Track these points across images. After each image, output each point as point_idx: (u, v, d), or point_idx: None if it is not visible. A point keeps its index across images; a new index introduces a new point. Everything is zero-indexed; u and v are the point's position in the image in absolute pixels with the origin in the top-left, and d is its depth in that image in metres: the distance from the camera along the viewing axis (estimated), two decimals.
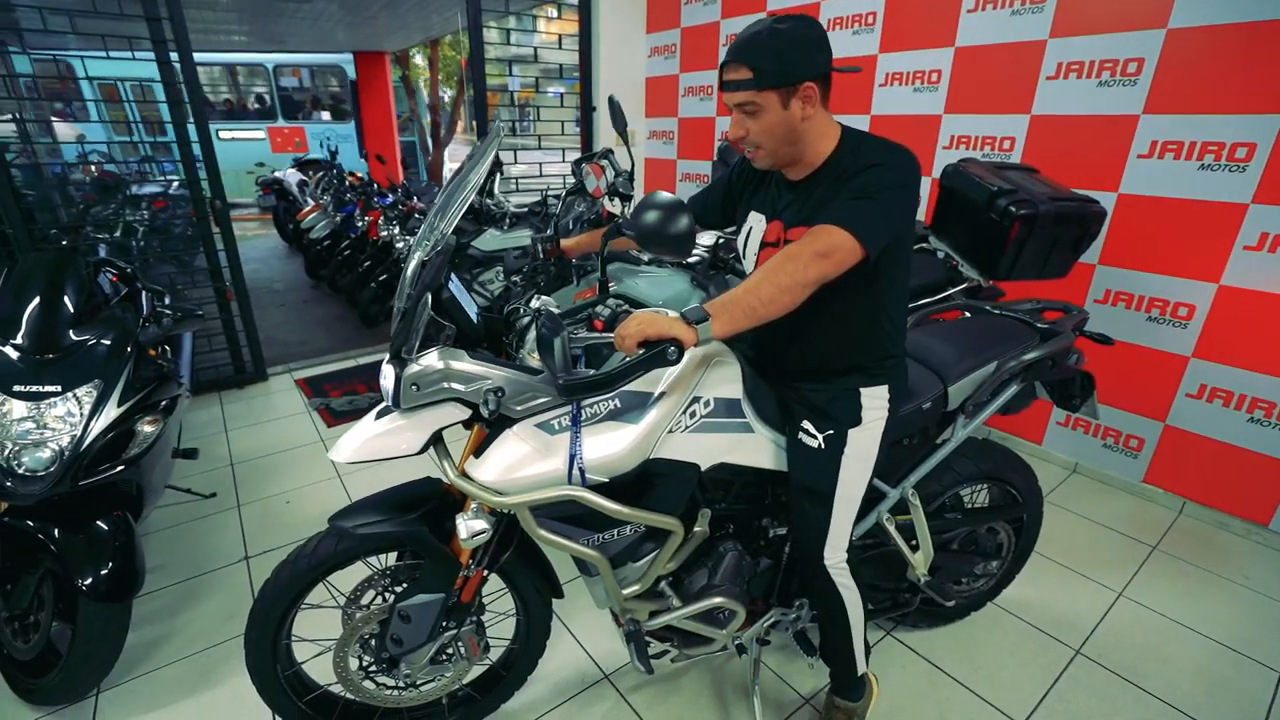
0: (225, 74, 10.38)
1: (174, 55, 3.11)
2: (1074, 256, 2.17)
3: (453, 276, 1.21)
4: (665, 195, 1.08)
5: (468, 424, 1.18)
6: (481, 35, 3.90)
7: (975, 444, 1.66)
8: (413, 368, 1.08)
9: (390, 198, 5.43)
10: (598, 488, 1.14)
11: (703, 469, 1.24)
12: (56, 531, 1.60)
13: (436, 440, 1.18)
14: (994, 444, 1.71)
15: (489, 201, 3.32)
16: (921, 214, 3.10)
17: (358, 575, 1.39)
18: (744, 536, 1.45)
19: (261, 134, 9.85)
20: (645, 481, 1.20)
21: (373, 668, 1.42)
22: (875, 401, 1.29)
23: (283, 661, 1.39)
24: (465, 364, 1.09)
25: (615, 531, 1.23)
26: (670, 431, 1.18)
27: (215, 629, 1.96)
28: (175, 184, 5.44)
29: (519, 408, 1.11)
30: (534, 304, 1.30)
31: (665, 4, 4.29)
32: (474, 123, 4.07)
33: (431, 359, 1.08)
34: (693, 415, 1.21)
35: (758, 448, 1.31)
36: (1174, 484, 2.55)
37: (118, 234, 4.45)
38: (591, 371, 0.99)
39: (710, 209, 1.47)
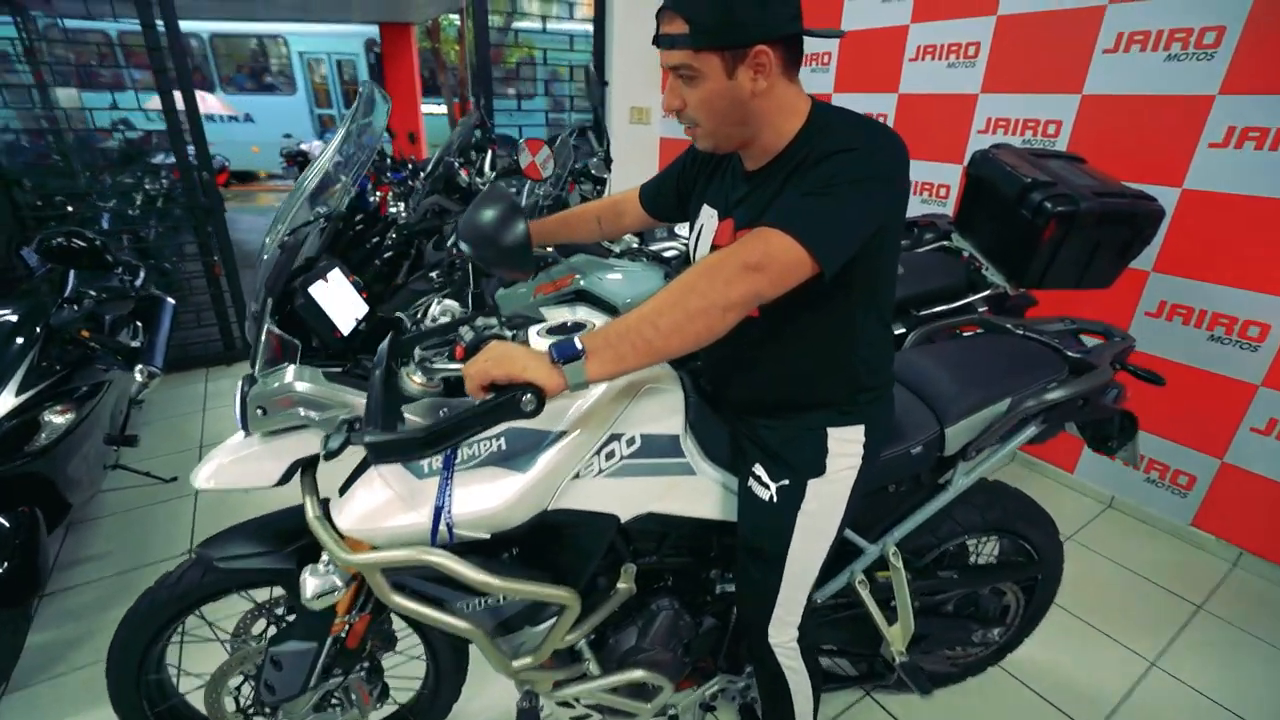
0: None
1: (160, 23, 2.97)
2: (1121, 263, 1.83)
3: (330, 273, 0.99)
4: (500, 192, 0.84)
5: None
6: (486, 5, 3.66)
7: (982, 487, 1.38)
8: (258, 388, 0.88)
9: (402, 173, 5.30)
10: (476, 545, 0.92)
11: (623, 520, 1.01)
12: None
13: (307, 467, 0.99)
14: (1005, 488, 1.44)
15: (479, 181, 3.10)
16: (949, 209, 2.77)
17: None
18: (685, 591, 1.21)
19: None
20: (545, 536, 0.98)
21: (251, 710, 1.25)
22: (846, 446, 1.03)
23: (151, 697, 1.23)
24: (316, 387, 0.88)
25: (502, 595, 1.01)
26: (577, 476, 0.95)
27: None
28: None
29: None
30: (435, 309, 1.07)
31: None
32: (482, 99, 3.84)
33: (281, 378, 0.88)
34: (610, 456, 0.97)
35: (699, 493, 1.07)
36: (1228, 531, 2.20)
37: (119, 204, 4.38)
38: (422, 423, 0.73)
39: (662, 197, 1.22)
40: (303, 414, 0.89)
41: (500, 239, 0.83)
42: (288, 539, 1.12)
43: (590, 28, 4.07)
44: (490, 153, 3.33)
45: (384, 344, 0.84)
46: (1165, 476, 2.32)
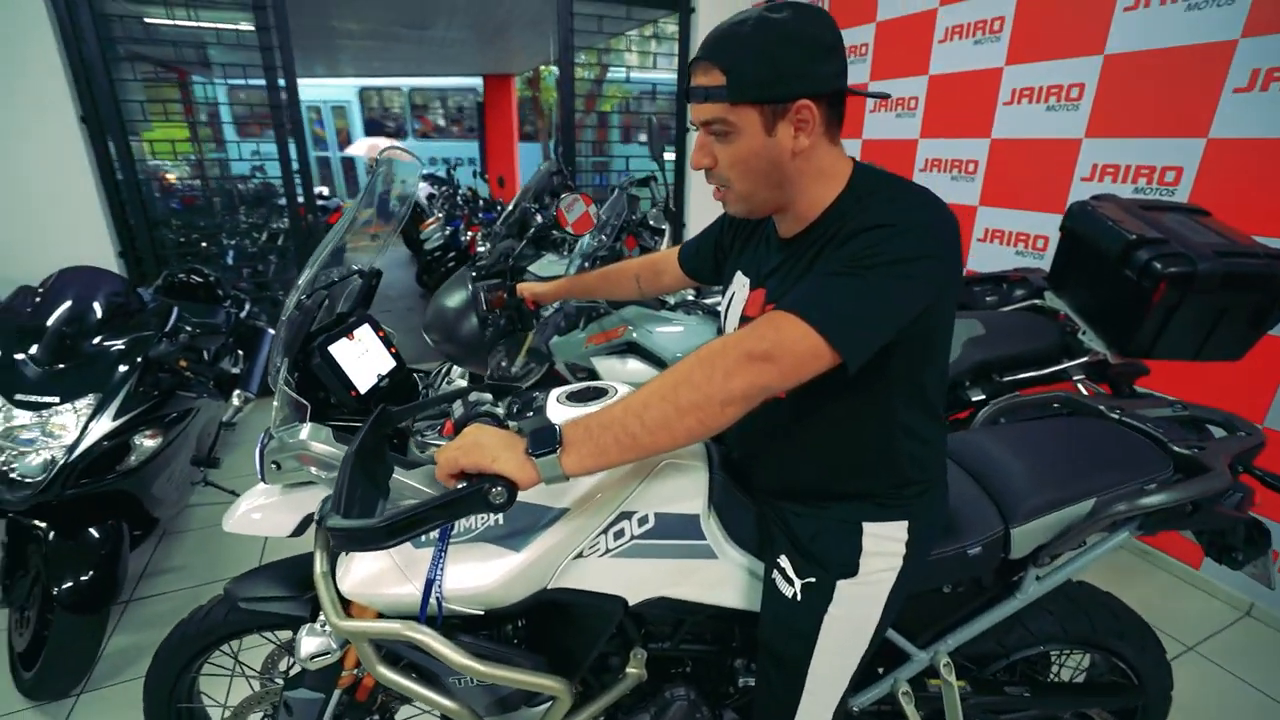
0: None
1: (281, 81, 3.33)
2: (1255, 333, 1.57)
3: (359, 329, 1.02)
4: (459, 283, 0.81)
5: None
6: (572, 56, 3.82)
7: (1064, 590, 1.19)
8: (273, 444, 0.90)
9: (492, 214, 5.61)
10: (470, 621, 0.89)
11: (631, 604, 0.94)
12: (51, 534, 1.65)
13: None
14: (1095, 593, 1.23)
15: (554, 230, 3.18)
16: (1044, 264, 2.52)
17: None
18: (705, 680, 1.11)
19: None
20: (547, 613, 0.92)
21: None
22: (884, 544, 0.91)
23: None
24: (325, 447, 0.89)
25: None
26: (580, 555, 0.90)
27: None
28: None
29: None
30: (449, 376, 1.07)
31: None
32: (559, 147, 3.98)
33: (294, 435, 0.90)
34: (619, 535, 0.91)
35: (720, 579, 0.98)
36: None
37: (241, 241, 4.89)
38: (402, 508, 0.68)
39: (700, 259, 1.17)
40: (313, 472, 0.90)
41: (455, 333, 0.81)
42: (309, 584, 1.13)
43: (674, 75, 4.14)
44: (558, 199, 3.42)
45: (370, 419, 0.83)
46: None
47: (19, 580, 1.71)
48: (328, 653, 0.92)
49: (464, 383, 1.04)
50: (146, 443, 1.78)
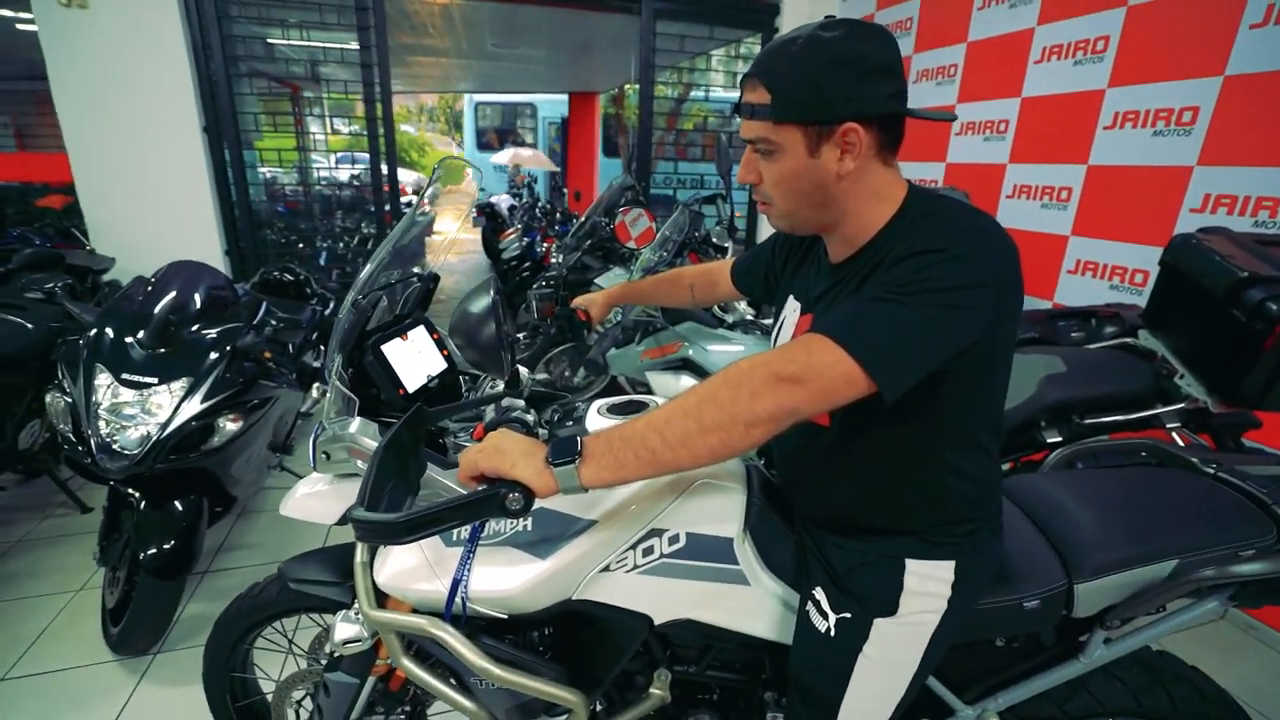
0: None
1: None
2: None
3: (413, 331, 1.06)
4: (484, 288, 0.82)
5: None
6: (653, 75, 3.88)
7: (1141, 659, 1.07)
8: (325, 435, 0.95)
9: (568, 226, 5.76)
10: (495, 624, 0.90)
11: (657, 623, 0.93)
12: (142, 504, 1.81)
13: None
14: (1178, 666, 1.10)
15: (611, 244, 3.23)
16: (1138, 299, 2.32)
17: None
18: (731, 709, 1.08)
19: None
20: (572, 624, 0.92)
21: None
22: (928, 584, 0.86)
23: (234, 692, 1.36)
24: (370, 441, 0.93)
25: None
26: (607, 569, 0.89)
27: None
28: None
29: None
30: (491, 387, 1.08)
31: None
32: (634, 163, 4.05)
33: (344, 428, 0.94)
34: (648, 552, 0.90)
35: (752, 607, 0.95)
36: None
37: (334, 243, 5.24)
38: (422, 507, 0.69)
39: (751, 277, 1.15)
40: (360, 465, 0.94)
41: (476, 338, 0.82)
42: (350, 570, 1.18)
43: None
44: (641, 214, 3.46)
45: (404, 416, 0.86)
46: None
47: (114, 543, 1.88)
48: (359, 640, 0.95)
49: (503, 388, 1.07)
50: (229, 425, 1.91)
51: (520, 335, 1.68)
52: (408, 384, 1.00)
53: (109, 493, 1.93)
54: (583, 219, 3.17)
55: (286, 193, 5.42)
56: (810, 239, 0.97)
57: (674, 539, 0.91)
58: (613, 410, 0.97)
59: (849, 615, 0.86)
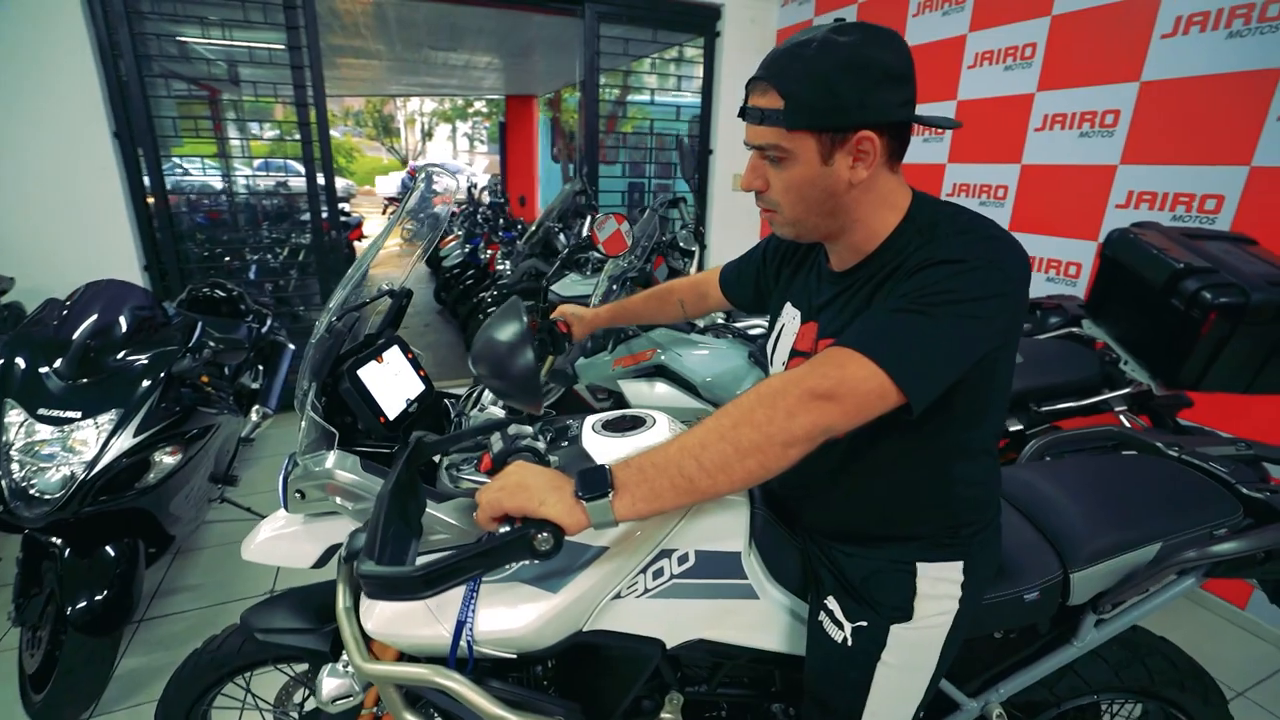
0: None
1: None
2: None
3: (387, 352, 0.99)
4: (512, 312, 0.77)
5: None
6: (597, 78, 3.84)
7: (1120, 638, 1.12)
8: (298, 472, 0.87)
9: (511, 233, 5.63)
10: (499, 663, 0.84)
11: (669, 646, 0.90)
12: (66, 552, 1.62)
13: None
14: (1151, 640, 1.16)
15: (589, 250, 3.16)
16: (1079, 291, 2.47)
17: None
18: None
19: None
20: (581, 655, 0.88)
21: None
22: (940, 586, 0.86)
23: None
24: (352, 477, 0.85)
25: None
26: (618, 596, 0.85)
27: None
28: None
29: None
30: (479, 404, 1.03)
31: None
32: (584, 167, 3.99)
33: (320, 463, 0.86)
34: (658, 575, 0.87)
35: (761, 621, 0.93)
36: None
37: (263, 255, 4.94)
38: (442, 557, 0.63)
39: (740, 286, 1.14)
40: (339, 502, 0.86)
41: (507, 369, 0.77)
42: (329, 616, 1.09)
43: (697, 98, 4.16)
44: (590, 219, 3.42)
45: (404, 453, 0.79)
46: None
47: (33, 599, 1.69)
48: (350, 695, 0.87)
49: (497, 410, 1.00)
50: (166, 460, 1.75)
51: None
52: (387, 410, 0.93)
53: (23, 542, 1.72)
54: (534, 226, 3.09)
55: (206, 203, 5.07)
56: (804, 245, 0.96)
57: (683, 558, 0.88)
58: (608, 427, 0.93)
59: (865, 624, 0.86)
